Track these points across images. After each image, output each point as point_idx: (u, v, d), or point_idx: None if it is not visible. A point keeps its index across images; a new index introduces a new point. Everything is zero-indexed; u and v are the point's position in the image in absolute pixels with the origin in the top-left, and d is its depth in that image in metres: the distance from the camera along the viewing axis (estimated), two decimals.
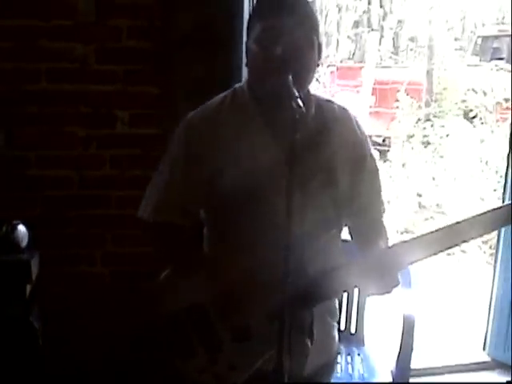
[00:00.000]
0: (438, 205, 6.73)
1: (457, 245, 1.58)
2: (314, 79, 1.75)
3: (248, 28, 1.69)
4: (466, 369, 3.52)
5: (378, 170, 1.85)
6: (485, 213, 1.53)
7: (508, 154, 3.59)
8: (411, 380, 2.44)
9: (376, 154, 1.91)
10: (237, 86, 1.77)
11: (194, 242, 1.80)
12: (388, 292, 1.59)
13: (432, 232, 1.53)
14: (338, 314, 1.90)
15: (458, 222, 1.52)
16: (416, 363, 2.71)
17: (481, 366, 3.54)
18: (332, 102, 1.79)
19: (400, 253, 1.53)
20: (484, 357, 3.57)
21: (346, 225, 1.84)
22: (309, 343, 1.60)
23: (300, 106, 1.39)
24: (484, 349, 3.60)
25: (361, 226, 1.82)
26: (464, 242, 1.56)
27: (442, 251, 1.53)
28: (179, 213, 1.72)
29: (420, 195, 6.88)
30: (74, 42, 2.60)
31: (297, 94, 1.44)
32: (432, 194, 6.85)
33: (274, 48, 1.57)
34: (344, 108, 1.80)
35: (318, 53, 1.65)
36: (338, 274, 1.53)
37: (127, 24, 2.60)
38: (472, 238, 1.58)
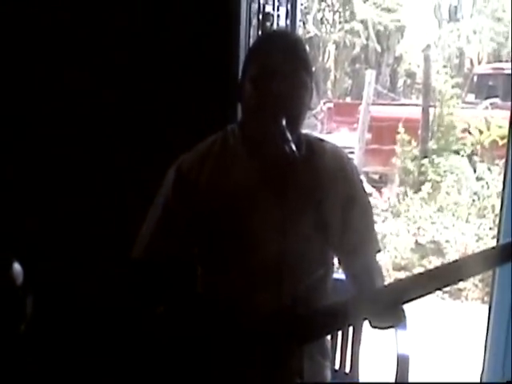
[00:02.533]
0: (434, 242, 6.72)
1: (453, 283, 1.59)
2: (306, 119, 1.77)
3: (244, 66, 1.73)
4: None
5: (370, 208, 1.86)
6: (481, 252, 1.55)
7: (502, 192, 3.60)
8: None
9: (371, 192, 1.93)
10: (229, 127, 1.80)
11: (188, 281, 1.81)
12: (393, 327, 1.60)
13: (429, 270, 1.54)
14: (331, 354, 1.90)
15: (455, 261, 1.54)
16: None
17: None
18: (322, 141, 1.82)
19: (400, 289, 1.54)
20: None
21: (339, 263, 1.85)
22: (298, 382, 1.60)
23: (293, 151, 1.41)
24: None
25: (353, 265, 1.83)
26: (460, 280, 1.57)
27: (437, 289, 1.54)
28: (172, 251, 1.74)
29: (417, 233, 6.88)
30: None
31: (290, 137, 1.47)
32: (429, 232, 6.85)
33: (268, 88, 1.60)
34: (334, 147, 1.83)
35: (310, 96, 1.69)
36: (327, 314, 1.54)
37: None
38: (467, 277, 1.59)
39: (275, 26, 2.72)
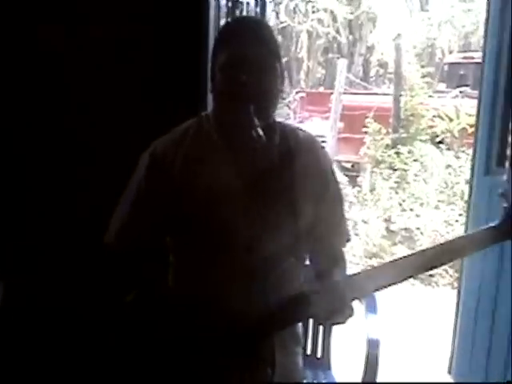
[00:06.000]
0: (405, 229, 6.80)
1: (423, 272, 1.61)
2: (278, 107, 1.76)
3: (213, 55, 1.72)
4: None
5: (341, 199, 1.85)
6: (453, 240, 1.57)
7: (470, 179, 3.66)
8: None
9: (344, 180, 1.93)
10: (203, 113, 1.80)
11: (159, 269, 1.81)
12: (342, 322, 1.60)
13: (394, 260, 1.55)
14: (303, 340, 1.91)
15: (424, 250, 1.55)
16: None
17: None
18: (297, 130, 1.81)
19: (357, 282, 1.55)
20: (448, 379, 3.61)
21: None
22: (270, 371, 1.61)
23: (260, 136, 1.42)
24: (449, 372, 3.63)
25: (317, 254, 1.82)
26: (431, 269, 1.59)
27: (406, 279, 1.56)
28: (143, 237, 1.74)
29: (388, 220, 6.95)
30: None
31: (257, 123, 1.47)
32: (400, 219, 6.93)
33: (236, 76, 1.59)
34: (309, 136, 1.81)
35: (281, 81, 1.69)
36: (294, 303, 1.54)
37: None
38: (440, 265, 1.61)
39: (245, 13, 2.72)
